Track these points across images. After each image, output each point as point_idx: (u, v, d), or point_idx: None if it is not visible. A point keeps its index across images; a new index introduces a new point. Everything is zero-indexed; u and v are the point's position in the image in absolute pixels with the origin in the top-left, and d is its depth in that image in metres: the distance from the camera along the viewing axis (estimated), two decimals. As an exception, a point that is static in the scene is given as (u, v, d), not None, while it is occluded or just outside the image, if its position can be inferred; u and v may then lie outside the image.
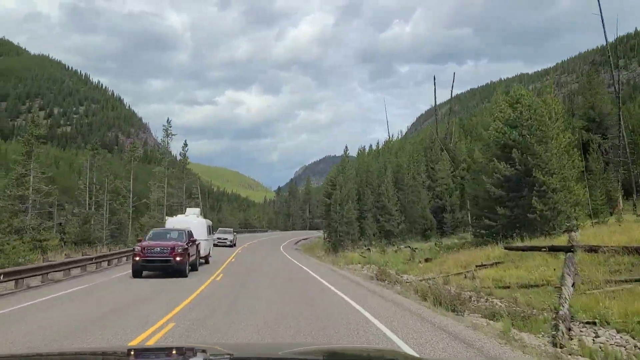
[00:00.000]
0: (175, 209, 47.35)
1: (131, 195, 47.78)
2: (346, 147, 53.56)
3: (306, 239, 62.09)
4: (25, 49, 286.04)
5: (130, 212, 47.44)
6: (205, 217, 30.18)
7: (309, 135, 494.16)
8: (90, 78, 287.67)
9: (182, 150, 59.26)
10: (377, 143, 69.11)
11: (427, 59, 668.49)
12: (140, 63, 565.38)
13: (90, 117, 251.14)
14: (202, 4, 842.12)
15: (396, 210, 42.61)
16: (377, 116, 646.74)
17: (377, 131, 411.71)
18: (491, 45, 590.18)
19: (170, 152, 58.62)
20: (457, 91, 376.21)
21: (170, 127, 59.27)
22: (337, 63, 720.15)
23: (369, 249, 35.45)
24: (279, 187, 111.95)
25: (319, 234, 60.95)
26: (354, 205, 43.15)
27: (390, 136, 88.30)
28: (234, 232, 46.94)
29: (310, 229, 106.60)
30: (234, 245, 43.08)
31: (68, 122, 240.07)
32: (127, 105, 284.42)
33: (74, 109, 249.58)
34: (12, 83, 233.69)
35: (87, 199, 43.72)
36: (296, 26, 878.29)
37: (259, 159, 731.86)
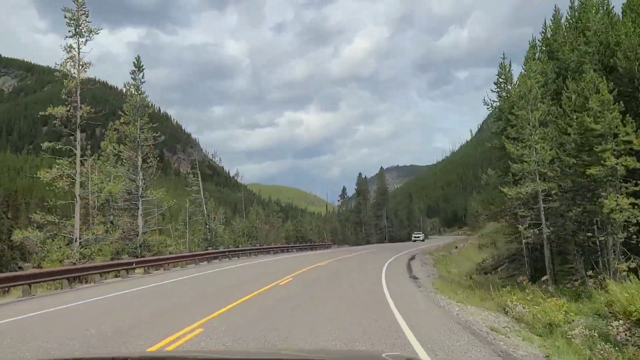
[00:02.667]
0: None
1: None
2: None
3: (412, 258, 31.98)
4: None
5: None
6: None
7: (369, 149, 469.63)
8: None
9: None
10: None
11: (486, 62, 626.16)
12: (202, 92, 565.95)
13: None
14: (259, 30, 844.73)
15: None
16: (438, 124, 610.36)
17: (439, 140, 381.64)
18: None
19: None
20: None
21: (141, 65, 31.33)
22: (394, 74, 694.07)
23: None
24: (343, 192, 79.98)
25: (417, 249, 45.36)
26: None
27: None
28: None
29: (390, 241, 75.78)
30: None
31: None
32: (175, 120, 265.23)
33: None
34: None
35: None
36: (351, 42, 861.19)
37: (320, 176, 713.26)
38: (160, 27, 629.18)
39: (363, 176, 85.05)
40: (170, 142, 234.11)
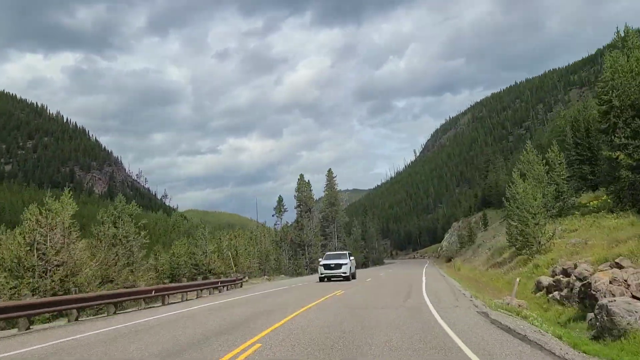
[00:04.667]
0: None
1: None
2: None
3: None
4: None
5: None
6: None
7: (312, 175, 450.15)
8: (47, 109, 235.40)
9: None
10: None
11: (423, 92, 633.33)
12: (143, 118, 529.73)
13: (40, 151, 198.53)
14: (202, 57, 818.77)
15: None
16: (378, 151, 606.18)
17: (380, 166, 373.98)
18: (485, 72, 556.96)
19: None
20: (452, 114, 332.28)
21: None
22: (336, 103, 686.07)
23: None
24: (280, 204, 55.66)
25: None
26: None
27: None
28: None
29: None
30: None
31: (10, 159, 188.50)
32: (93, 136, 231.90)
33: (20, 143, 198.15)
34: None
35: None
36: (294, 70, 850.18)
37: (263, 203, 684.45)
38: (98, 52, 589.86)
39: (306, 180, 61.80)
40: (83, 159, 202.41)
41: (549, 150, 40.02)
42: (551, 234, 27.44)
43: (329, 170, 68.57)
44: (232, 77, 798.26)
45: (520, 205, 29.63)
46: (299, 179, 61.23)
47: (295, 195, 60.91)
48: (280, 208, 64.23)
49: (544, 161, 37.77)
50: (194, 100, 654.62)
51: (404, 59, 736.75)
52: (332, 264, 30.57)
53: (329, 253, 36.95)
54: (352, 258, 33.28)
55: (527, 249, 28.43)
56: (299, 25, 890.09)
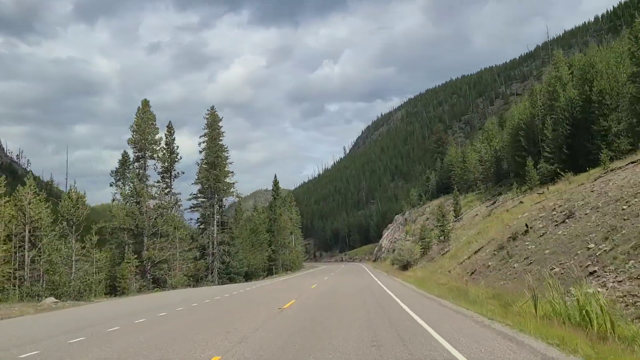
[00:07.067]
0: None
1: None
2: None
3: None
4: None
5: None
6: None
7: (241, 175, 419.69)
8: None
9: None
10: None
11: (354, 97, 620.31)
12: (65, 108, 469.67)
13: None
14: (131, 50, 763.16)
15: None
16: (308, 153, 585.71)
17: (309, 169, 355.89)
18: (416, 81, 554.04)
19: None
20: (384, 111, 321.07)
21: None
22: (269, 104, 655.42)
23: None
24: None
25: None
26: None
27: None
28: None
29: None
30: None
31: None
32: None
33: None
34: None
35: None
36: (228, 68, 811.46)
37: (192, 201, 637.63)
38: (20, 37, 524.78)
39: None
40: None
41: None
42: None
43: (212, 109, 40.41)
44: (163, 71, 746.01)
45: None
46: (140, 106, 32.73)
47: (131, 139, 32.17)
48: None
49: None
50: (122, 94, 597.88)
51: (338, 64, 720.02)
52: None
53: None
54: None
55: None
56: (235, 23, 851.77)
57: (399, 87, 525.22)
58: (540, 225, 18.81)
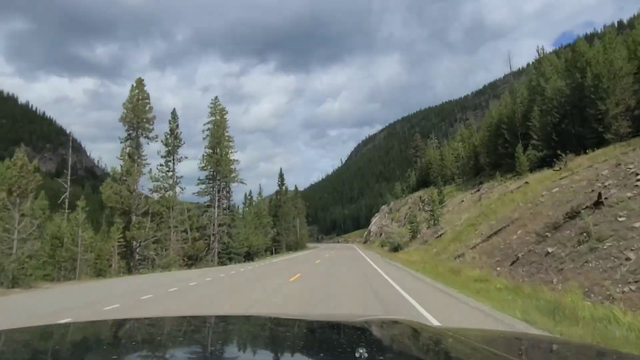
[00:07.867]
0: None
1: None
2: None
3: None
4: None
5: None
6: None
7: (267, 180, 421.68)
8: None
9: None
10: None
11: (349, 125, 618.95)
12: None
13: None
14: (190, 90, 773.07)
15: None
16: (315, 165, 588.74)
17: (316, 176, 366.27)
18: (394, 114, 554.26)
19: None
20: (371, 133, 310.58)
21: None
22: (288, 129, 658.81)
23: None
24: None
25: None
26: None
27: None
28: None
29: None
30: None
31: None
32: (48, 116, 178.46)
33: None
34: None
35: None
36: (258, 104, 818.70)
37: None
38: (112, 80, 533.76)
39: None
40: (38, 141, 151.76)
41: None
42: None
43: (216, 99, 30.64)
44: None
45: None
46: (135, 84, 22.99)
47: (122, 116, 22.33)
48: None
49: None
50: (182, 122, 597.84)
51: (337, 100, 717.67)
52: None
53: None
54: None
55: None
56: (264, 71, 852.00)
57: (382, 116, 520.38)
58: (627, 195, 8.81)
